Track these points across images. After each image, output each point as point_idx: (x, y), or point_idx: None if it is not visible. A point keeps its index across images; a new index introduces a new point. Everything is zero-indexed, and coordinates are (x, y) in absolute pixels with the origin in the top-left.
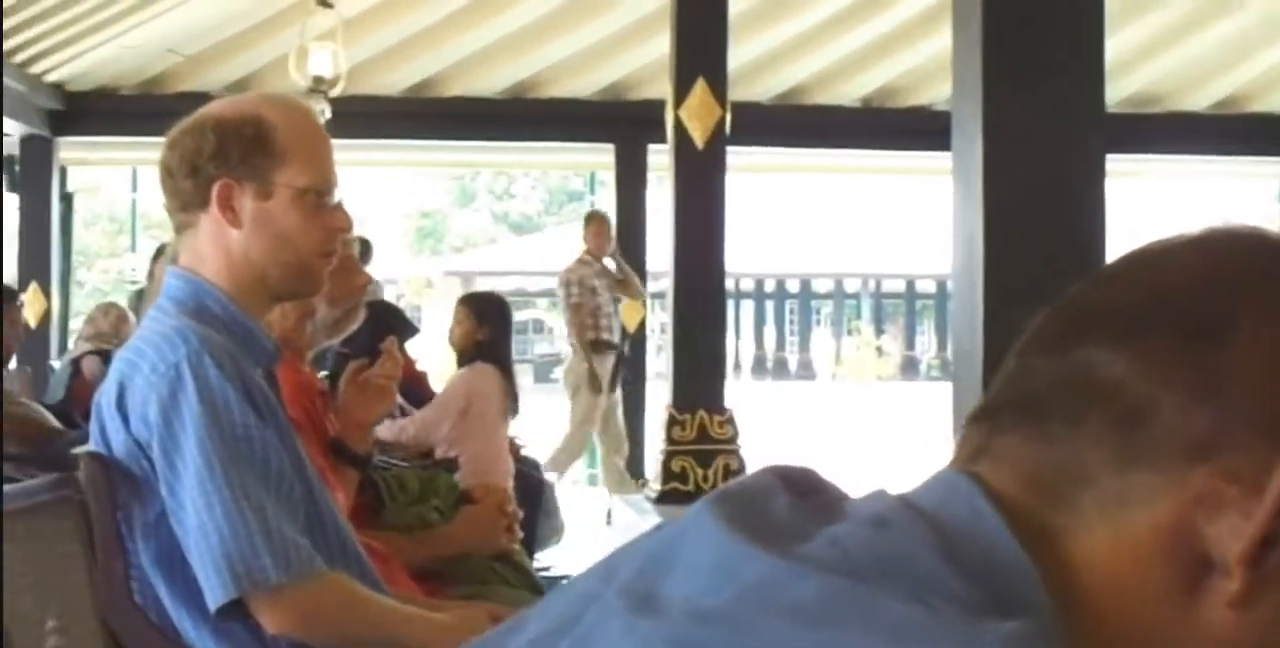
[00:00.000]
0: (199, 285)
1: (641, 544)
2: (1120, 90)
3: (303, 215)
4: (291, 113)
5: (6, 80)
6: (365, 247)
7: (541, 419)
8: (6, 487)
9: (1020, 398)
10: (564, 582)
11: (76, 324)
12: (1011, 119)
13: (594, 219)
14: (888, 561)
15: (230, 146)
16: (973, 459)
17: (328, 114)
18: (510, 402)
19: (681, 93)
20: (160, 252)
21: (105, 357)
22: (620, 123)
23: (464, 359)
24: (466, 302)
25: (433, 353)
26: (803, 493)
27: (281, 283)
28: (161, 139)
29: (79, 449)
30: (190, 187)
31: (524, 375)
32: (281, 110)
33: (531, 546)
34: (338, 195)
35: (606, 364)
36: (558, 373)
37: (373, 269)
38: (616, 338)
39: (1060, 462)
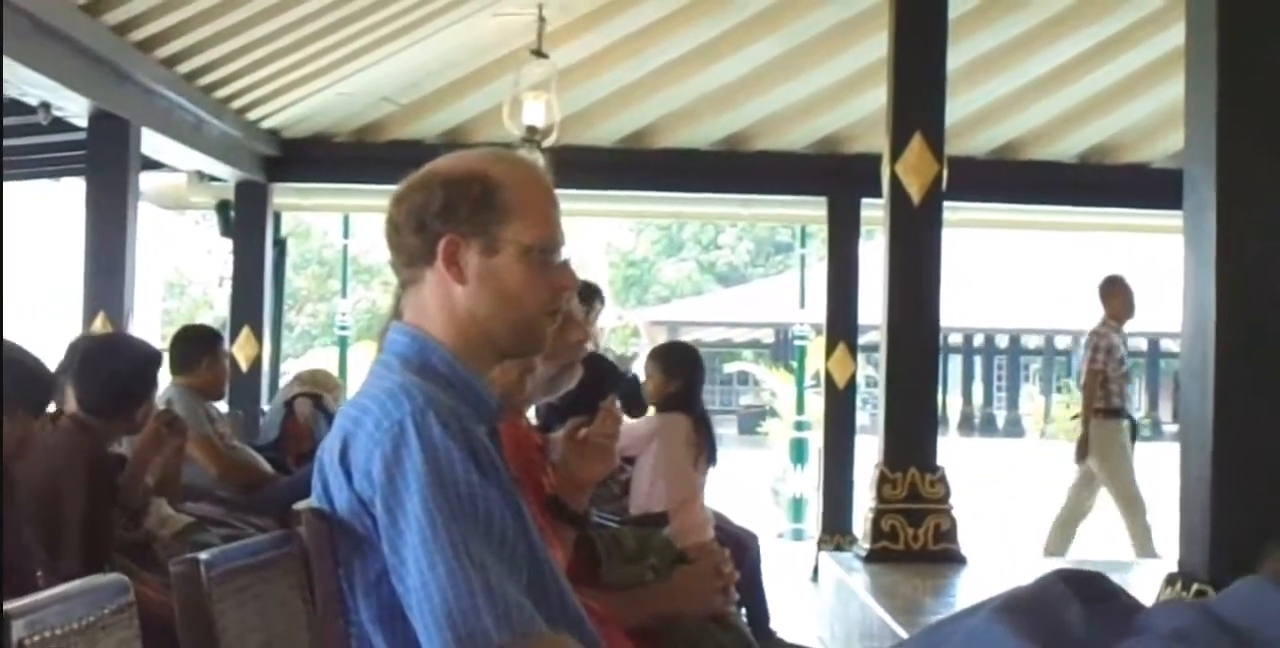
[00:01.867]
0: (424, 342)
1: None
2: None
3: (528, 273)
4: (519, 170)
5: (225, 126)
6: (594, 292)
7: (745, 471)
8: (236, 544)
9: None
10: None
11: (287, 368)
12: (1249, 179)
13: (1116, 284)
14: None
15: (457, 203)
16: None
17: (542, 164)
18: (705, 452)
19: (898, 147)
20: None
21: (317, 400)
22: (834, 176)
23: (660, 411)
24: (656, 355)
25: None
26: (1094, 599)
27: (506, 341)
28: (374, 186)
29: (301, 504)
30: (416, 242)
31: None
32: (509, 167)
33: (754, 607)
34: (564, 253)
35: (1113, 431)
36: (765, 426)
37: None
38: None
39: None
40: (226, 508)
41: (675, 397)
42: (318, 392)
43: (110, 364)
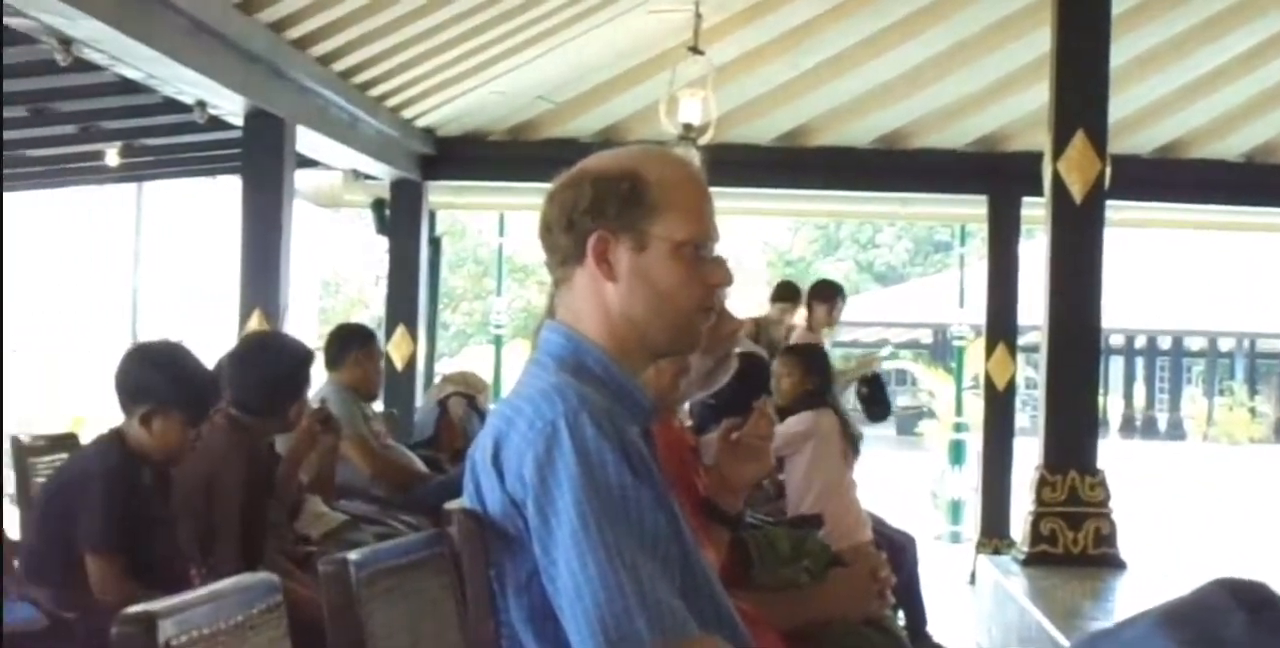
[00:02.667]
0: (578, 343)
1: None
2: None
3: (680, 269)
4: (670, 165)
5: (380, 125)
6: (792, 290)
7: (903, 472)
8: (386, 544)
9: None
10: None
11: (441, 367)
12: None
13: None
14: None
15: (606, 200)
16: None
17: (697, 162)
18: (850, 444)
19: (1060, 145)
20: None
21: (470, 399)
22: (994, 175)
23: (794, 410)
24: (792, 352)
25: None
26: (1257, 608)
27: (660, 339)
28: (528, 184)
29: (452, 505)
30: (567, 240)
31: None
32: (659, 163)
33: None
34: (717, 249)
35: None
36: (922, 426)
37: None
38: None
39: None
40: (380, 507)
41: (814, 395)
42: (470, 392)
43: (263, 363)
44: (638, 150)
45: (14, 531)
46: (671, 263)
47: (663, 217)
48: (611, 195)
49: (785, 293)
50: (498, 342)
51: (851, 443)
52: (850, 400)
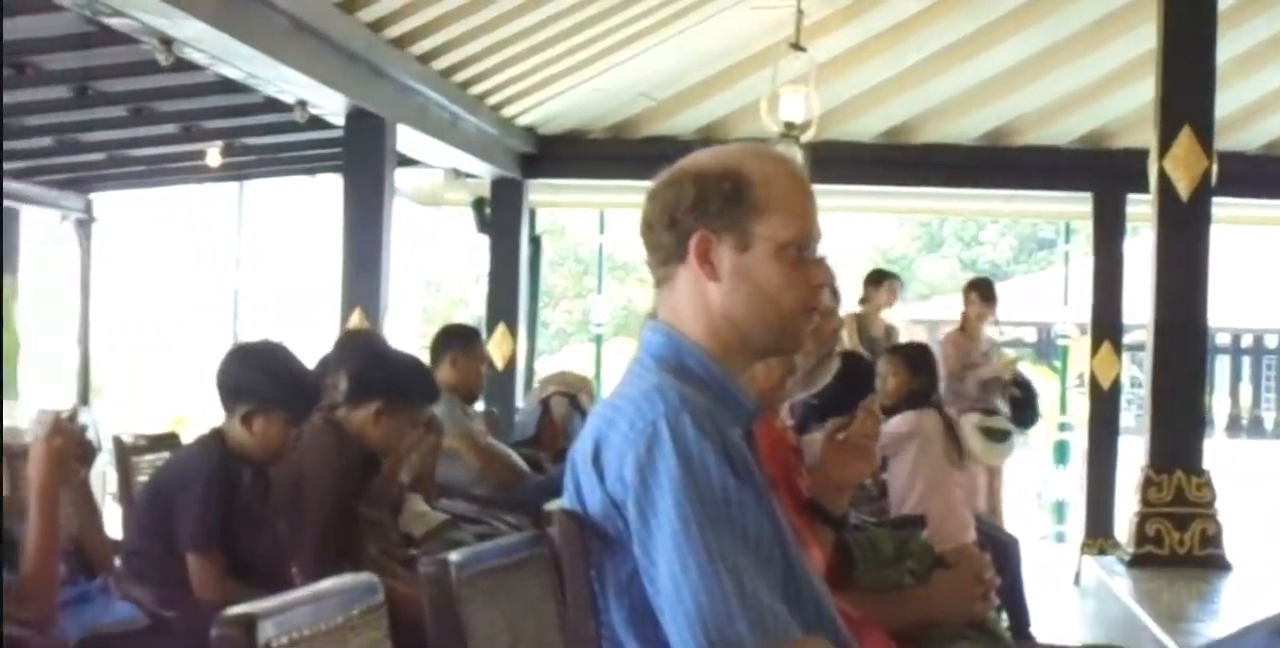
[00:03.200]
0: (679, 342)
1: None
2: None
3: (783, 269)
4: (773, 164)
5: (480, 123)
6: (988, 286)
7: (1007, 472)
8: (487, 545)
9: None
10: None
11: (542, 365)
12: None
13: None
14: None
15: (709, 198)
16: None
17: (800, 160)
18: (954, 446)
19: (1166, 141)
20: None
21: (572, 399)
22: (1099, 172)
23: (898, 410)
24: (898, 352)
25: None
26: None
27: (763, 339)
28: (629, 183)
29: (552, 505)
30: (669, 239)
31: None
32: (762, 161)
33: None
34: (820, 250)
35: None
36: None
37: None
38: None
39: None
40: (480, 506)
41: (919, 395)
42: (572, 392)
43: (363, 363)
44: (740, 148)
45: (116, 530)
46: (775, 263)
47: (766, 217)
48: (714, 194)
49: (877, 278)
50: (598, 340)
51: (956, 446)
52: (998, 405)
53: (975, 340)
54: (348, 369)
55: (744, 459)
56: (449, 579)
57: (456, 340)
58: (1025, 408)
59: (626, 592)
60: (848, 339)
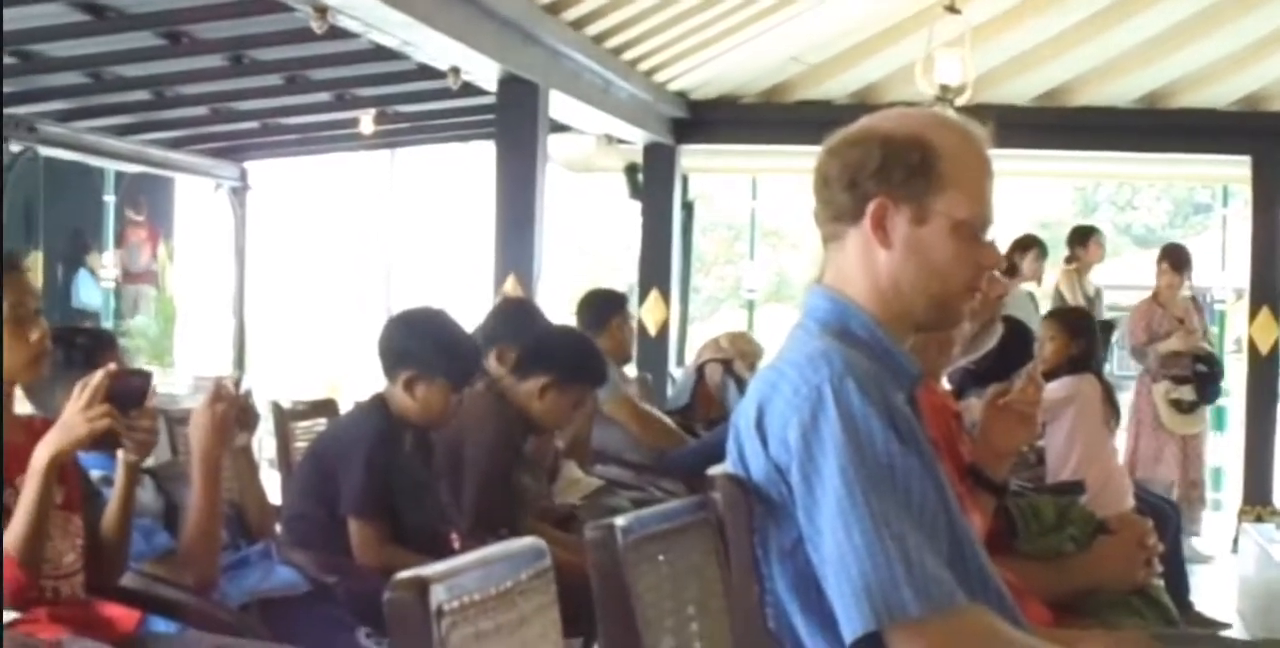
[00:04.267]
0: (844, 307)
1: None
2: None
3: (955, 247)
4: (963, 140)
5: (633, 89)
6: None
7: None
8: (651, 510)
9: None
10: None
11: (694, 331)
12: None
13: None
14: None
15: (894, 166)
16: None
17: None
18: (1111, 411)
19: None
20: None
21: (727, 365)
22: (1258, 135)
23: (1056, 375)
24: (1056, 317)
25: None
26: None
27: (924, 313)
28: (781, 147)
29: (715, 470)
30: (846, 199)
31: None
32: (953, 135)
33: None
34: (991, 233)
35: None
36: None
37: None
38: None
39: None
40: (635, 471)
41: (1077, 360)
42: (728, 357)
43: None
44: (931, 117)
45: (275, 496)
46: (949, 240)
47: (948, 192)
48: (900, 163)
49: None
50: (750, 306)
51: (1114, 410)
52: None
53: (1167, 310)
54: (520, 341)
55: (909, 424)
56: (615, 544)
57: (609, 305)
58: (1209, 383)
59: (790, 558)
60: (1069, 296)
